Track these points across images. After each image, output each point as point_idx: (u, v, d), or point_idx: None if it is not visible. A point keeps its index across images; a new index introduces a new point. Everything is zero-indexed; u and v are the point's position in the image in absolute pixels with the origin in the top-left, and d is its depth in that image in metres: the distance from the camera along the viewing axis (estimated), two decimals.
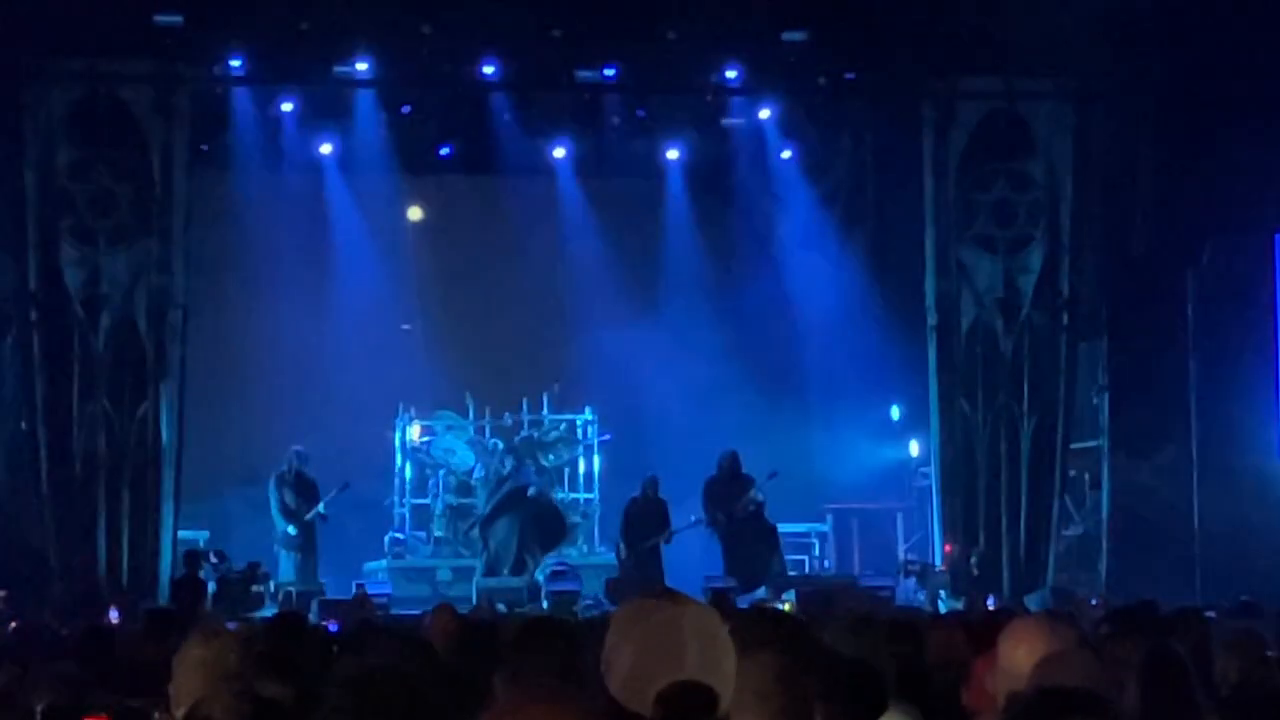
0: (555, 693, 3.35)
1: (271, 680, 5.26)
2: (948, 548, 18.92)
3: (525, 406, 22.38)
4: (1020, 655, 4.86)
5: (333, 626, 11.55)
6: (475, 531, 20.47)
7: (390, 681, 4.29)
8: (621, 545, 20.08)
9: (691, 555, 20.21)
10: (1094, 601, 16.92)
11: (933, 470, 19.36)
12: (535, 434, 22.09)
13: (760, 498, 19.98)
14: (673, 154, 22.54)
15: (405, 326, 23.43)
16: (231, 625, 7.60)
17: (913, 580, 19.27)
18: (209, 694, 4.86)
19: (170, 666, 5.29)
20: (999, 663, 4.94)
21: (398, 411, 22.15)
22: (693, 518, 20.20)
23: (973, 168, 18.94)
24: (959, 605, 17.17)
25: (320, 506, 19.80)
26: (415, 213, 23.77)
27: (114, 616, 15.70)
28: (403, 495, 21.75)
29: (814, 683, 3.63)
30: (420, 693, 4.31)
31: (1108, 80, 18.86)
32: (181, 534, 18.65)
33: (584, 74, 19.63)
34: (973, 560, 18.64)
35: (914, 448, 22.13)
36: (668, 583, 18.51)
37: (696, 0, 18.24)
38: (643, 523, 19.97)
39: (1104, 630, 8.17)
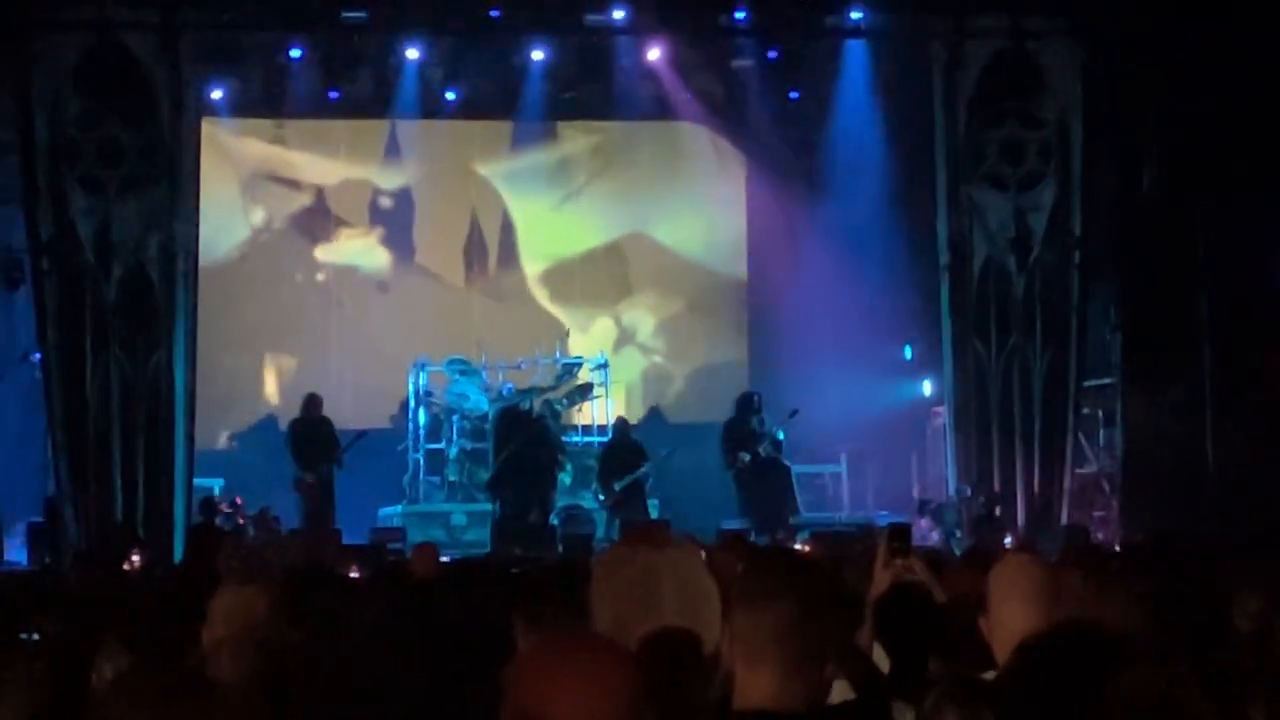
0: (588, 635, 3.31)
1: (286, 627, 5.28)
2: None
3: (537, 352, 22.41)
4: (1003, 595, 4.90)
5: (350, 572, 11.59)
6: (488, 476, 20.47)
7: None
8: (599, 489, 20.25)
9: (707, 497, 20.27)
10: (1105, 537, 16.93)
11: (946, 410, 19.35)
12: (548, 378, 22.09)
13: (780, 436, 20.12)
14: (682, 97, 22.43)
15: None
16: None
17: (927, 519, 19.29)
18: (220, 642, 4.88)
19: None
20: (990, 609, 4.96)
21: (411, 358, 22.13)
22: (663, 452, 20.32)
23: (982, 106, 18.84)
24: (973, 544, 17.20)
25: (338, 457, 19.76)
26: (419, 163, 23.69)
27: (136, 560, 15.76)
28: (417, 441, 21.75)
29: (829, 627, 3.64)
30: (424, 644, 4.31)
31: (1117, 17, 18.72)
32: (196, 482, 18.69)
33: (593, 18, 19.52)
34: (986, 499, 18.65)
35: (927, 387, 22.13)
36: (684, 525, 18.56)
37: None
38: (617, 465, 20.19)
39: (1116, 567, 8.17)
